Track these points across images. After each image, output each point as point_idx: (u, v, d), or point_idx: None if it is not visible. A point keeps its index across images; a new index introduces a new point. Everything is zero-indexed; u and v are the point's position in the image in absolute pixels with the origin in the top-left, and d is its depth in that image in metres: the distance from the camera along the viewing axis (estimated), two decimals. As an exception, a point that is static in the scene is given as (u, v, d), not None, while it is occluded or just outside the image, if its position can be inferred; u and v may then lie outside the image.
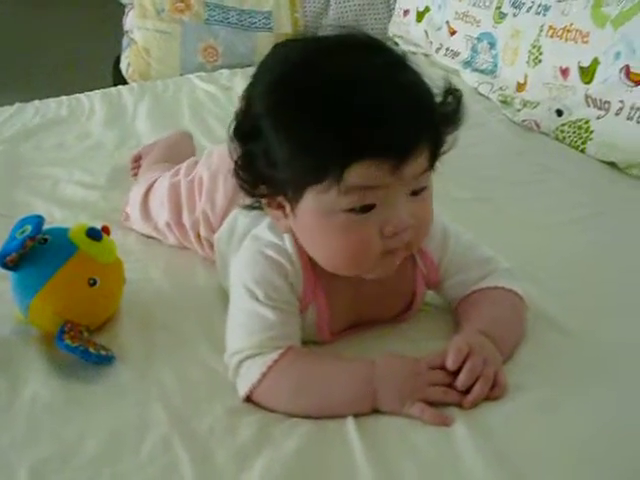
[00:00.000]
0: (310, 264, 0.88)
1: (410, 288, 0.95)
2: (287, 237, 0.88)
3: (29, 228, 0.95)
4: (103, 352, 0.92)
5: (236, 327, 0.88)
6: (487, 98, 1.77)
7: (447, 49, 2.01)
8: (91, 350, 0.91)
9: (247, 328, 0.86)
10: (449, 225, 0.95)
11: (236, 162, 0.84)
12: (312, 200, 0.80)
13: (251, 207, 0.90)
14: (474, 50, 1.91)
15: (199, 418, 0.82)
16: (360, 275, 0.86)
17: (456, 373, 0.81)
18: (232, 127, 0.84)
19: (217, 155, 1.13)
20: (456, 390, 0.80)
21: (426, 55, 2.09)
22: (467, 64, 1.91)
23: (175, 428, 0.81)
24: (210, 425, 0.81)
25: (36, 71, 3.07)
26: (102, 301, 0.98)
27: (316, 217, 0.81)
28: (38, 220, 0.96)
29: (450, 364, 0.81)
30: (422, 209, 0.83)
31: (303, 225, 0.84)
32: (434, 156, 0.81)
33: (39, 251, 0.95)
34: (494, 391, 0.81)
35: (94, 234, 0.98)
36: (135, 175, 1.43)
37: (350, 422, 0.80)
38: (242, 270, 0.89)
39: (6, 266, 0.95)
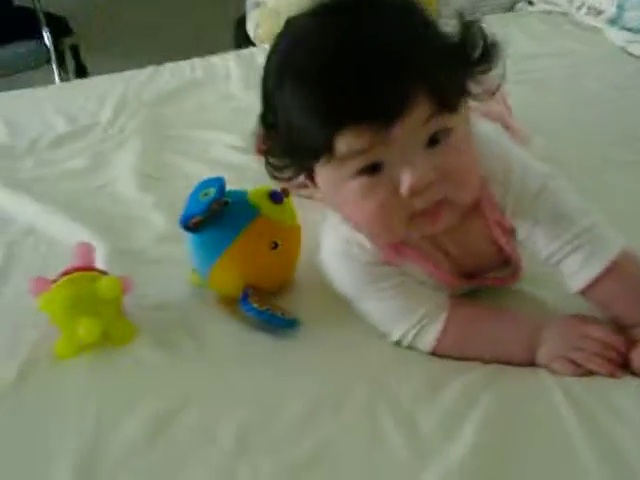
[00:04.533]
0: None
1: (490, 242, 0.87)
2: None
3: (212, 191, 0.95)
4: (288, 316, 0.92)
5: (379, 324, 0.89)
6: (638, 58, 1.68)
7: (589, 7, 1.92)
8: (278, 314, 0.91)
9: (387, 323, 0.88)
10: (519, 160, 0.85)
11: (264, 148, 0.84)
12: (322, 174, 0.79)
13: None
14: (620, 7, 1.82)
15: (398, 383, 0.82)
16: (400, 239, 0.84)
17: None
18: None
19: None
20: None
21: (564, 14, 2.01)
22: (613, 22, 1.82)
23: (376, 393, 0.81)
24: (412, 390, 0.81)
25: (151, 33, 3.12)
26: (283, 264, 0.99)
27: (333, 188, 0.80)
28: (221, 183, 0.96)
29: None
30: (448, 158, 0.75)
31: (328, 198, 0.83)
32: (447, 98, 0.74)
33: (220, 214, 0.95)
34: None
35: (276, 197, 0.97)
36: None
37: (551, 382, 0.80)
38: (334, 280, 0.90)
39: (189, 228, 0.96)
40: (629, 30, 1.77)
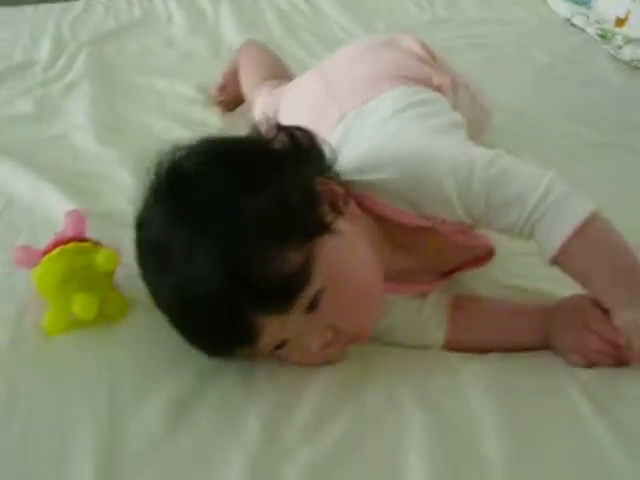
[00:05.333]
0: None
1: (458, 246, 0.87)
2: None
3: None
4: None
5: None
6: (582, 30, 1.72)
7: (533, -25, 1.94)
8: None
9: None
10: (450, 171, 0.80)
11: None
12: None
13: None
14: (565, -23, 1.84)
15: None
16: None
17: None
18: None
19: None
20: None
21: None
22: (556, -8, 1.85)
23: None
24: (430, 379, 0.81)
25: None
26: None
27: None
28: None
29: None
30: (335, 311, 0.74)
31: None
32: (300, 286, 0.71)
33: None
34: None
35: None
36: (224, 104, 1.38)
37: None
38: None
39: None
40: (574, 2, 1.80)
